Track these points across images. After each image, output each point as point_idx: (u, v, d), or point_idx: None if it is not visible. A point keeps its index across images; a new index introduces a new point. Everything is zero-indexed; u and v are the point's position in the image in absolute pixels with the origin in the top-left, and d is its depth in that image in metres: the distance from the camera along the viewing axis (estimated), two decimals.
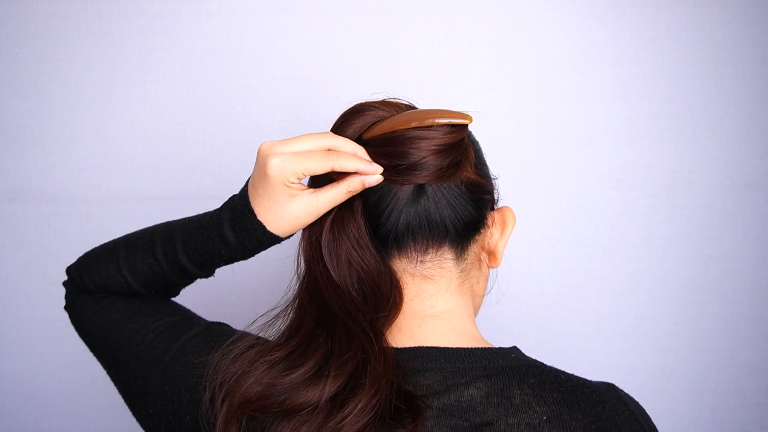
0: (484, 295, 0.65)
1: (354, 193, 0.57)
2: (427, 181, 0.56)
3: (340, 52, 1.12)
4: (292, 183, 0.55)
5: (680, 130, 1.12)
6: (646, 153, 1.12)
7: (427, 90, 1.11)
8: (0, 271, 1.19)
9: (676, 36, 1.10)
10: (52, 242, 1.17)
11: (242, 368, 0.54)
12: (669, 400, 1.18)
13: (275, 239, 0.59)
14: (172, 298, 0.71)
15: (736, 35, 1.09)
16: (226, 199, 0.62)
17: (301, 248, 0.60)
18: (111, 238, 0.70)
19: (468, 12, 1.11)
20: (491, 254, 0.62)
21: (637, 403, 0.59)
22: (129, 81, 1.13)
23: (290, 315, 0.58)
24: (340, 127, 0.59)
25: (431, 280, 0.59)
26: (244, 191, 0.59)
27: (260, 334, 0.58)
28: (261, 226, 0.58)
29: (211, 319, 0.66)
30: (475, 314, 0.63)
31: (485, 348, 0.57)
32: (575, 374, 0.57)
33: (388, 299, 0.57)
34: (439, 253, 0.58)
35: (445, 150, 0.56)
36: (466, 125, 0.57)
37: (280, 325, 0.58)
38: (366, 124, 0.58)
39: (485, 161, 0.62)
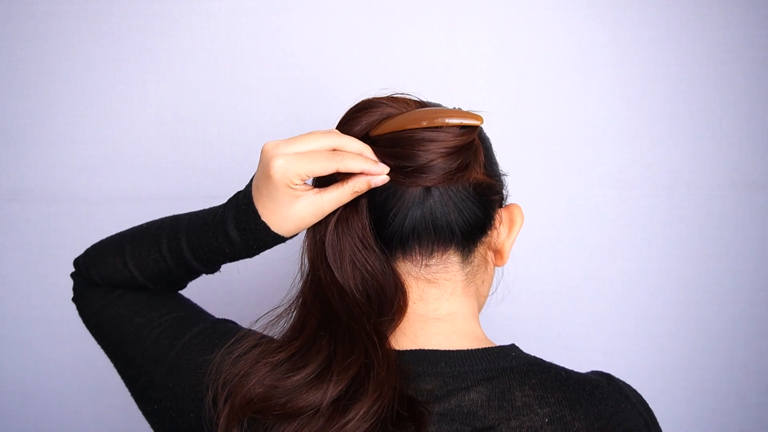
0: (488, 295, 0.65)
1: (359, 194, 0.56)
2: (434, 184, 0.54)
3: (340, 52, 1.12)
4: (296, 185, 0.54)
5: (680, 130, 1.12)
6: (646, 153, 1.12)
7: (428, 90, 1.11)
8: (0, 271, 1.19)
9: (676, 36, 1.10)
10: (52, 242, 1.17)
11: (244, 369, 0.53)
12: (669, 400, 1.18)
13: (280, 239, 0.58)
14: (180, 291, 0.71)
15: (736, 35, 1.09)
16: (231, 196, 0.61)
17: (305, 247, 0.59)
18: None
19: (468, 12, 1.11)
20: (497, 253, 0.61)
21: (635, 392, 0.59)
22: (129, 81, 1.13)
23: (294, 314, 0.57)
24: (346, 124, 0.57)
25: (436, 284, 0.58)
26: (248, 191, 0.58)
27: (264, 332, 0.57)
28: (265, 227, 0.57)
29: (217, 317, 0.66)
30: (479, 311, 0.63)
31: (486, 348, 0.56)
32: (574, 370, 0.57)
33: (392, 302, 0.56)
34: (444, 257, 0.57)
35: (454, 153, 0.54)
36: (478, 126, 0.55)
37: (284, 324, 0.57)
38: (373, 121, 0.56)
39: (495, 159, 0.61)
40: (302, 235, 0.60)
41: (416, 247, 0.57)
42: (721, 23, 1.09)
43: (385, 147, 0.55)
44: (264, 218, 0.57)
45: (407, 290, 0.58)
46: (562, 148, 1.13)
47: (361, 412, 0.49)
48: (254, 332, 0.58)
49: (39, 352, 1.20)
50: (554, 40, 1.11)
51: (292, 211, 0.55)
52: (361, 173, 0.54)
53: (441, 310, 0.58)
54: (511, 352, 0.57)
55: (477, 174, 0.56)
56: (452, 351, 0.56)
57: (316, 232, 0.58)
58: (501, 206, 0.61)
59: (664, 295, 1.16)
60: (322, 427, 0.50)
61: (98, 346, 0.68)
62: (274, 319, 0.58)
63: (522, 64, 1.12)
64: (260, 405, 0.51)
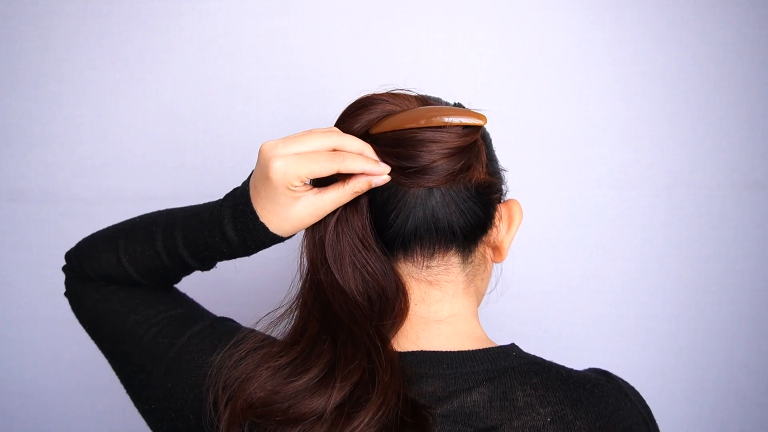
0: (487, 292, 0.64)
1: (360, 194, 0.55)
2: (436, 185, 0.53)
3: (340, 52, 1.12)
4: (296, 186, 0.53)
5: (680, 130, 1.12)
6: (646, 153, 1.12)
7: (427, 90, 1.11)
8: (0, 271, 1.19)
9: (676, 36, 1.10)
10: (52, 242, 1.17)
11: (246, 372, 0.52)
12: (669, 399, 1.18)
13: (278, 239, 0.57)
14: (174, 285, 0.69)
15: (736, 35, 1.09)
16: (227, 193, 0.60)
17: (304, 247, 0.58)
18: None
19: (468, 12, 1.10)
20: (497, 250, 0.61)
21: (633, 389, 0.59)
22: (129, 81, 1.13)
23: (295, 315, 0.57)
24: (346, 122, 0.56)
25: (437, 286, 0.57)
26: (246, 190, 0.57)
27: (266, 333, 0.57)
28: (264, 228, 0.56)
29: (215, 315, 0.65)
30: (478, 307, 0.62)
31: (487, 349, 0.56)
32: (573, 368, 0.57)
33: (394, 304, 0.55)
34: (445, 259, 0.57)
35: (457, 153, 0.53)
36: (481, 126, 0.54)
37: (285, 325, 0.56)
38: (374, 119, 0.55)
39: (495, 157, 0.60)
40: (301, 234, 0.60)
41: (418, 249, 0.56)
42: (721, 23, 1.09)
43: (386, 146, 0.54)
44: (263, 219, 0.56)
45: (408, 292, 0.57)
46: (562, 148, 1.13)
47: (366, 419, 0.49)
48: (255, 333, 0.57)
49: (39, 352, 1.20)
50: (554, 40, 1.11)
51: (291, 212, 0.54)
52: (361, 173, 0.53)
53: (443, 312, 0.58)
54: (511, 351, 0.56)
55: (479, 174, 0.56)
56: (454, 352, 0.55)
57: (316, 231, 0.57)
58: (500, 202, 0.60)
59: (664, 295, 1.16)
60: None
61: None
62: (276, 320, 0.57)
63: (522, 63, 1.11)
64: (262, 410, 0.50)
